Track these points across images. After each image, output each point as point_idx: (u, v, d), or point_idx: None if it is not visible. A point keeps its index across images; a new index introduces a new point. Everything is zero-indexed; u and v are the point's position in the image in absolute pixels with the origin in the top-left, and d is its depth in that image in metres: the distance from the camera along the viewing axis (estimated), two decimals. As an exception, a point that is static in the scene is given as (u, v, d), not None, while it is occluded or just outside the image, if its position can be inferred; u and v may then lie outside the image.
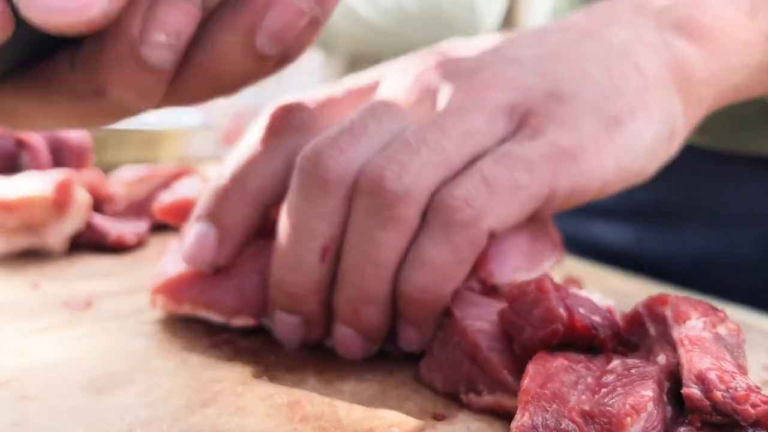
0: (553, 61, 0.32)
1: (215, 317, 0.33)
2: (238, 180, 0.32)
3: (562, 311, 0.25)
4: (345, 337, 0.31)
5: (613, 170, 0.31)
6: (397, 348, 0.32)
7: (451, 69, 0.33)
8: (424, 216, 0.29)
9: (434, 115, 0.30)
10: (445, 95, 0.31)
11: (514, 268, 0.31)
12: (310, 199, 0.29)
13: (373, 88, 0.35)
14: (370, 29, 1.13)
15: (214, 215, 0.32)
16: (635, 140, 0.32)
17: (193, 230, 0.32)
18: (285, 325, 0.31)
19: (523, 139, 0.30)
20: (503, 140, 0.30)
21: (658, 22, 0.34)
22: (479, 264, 0.31)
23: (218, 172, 0.33)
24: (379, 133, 0.30)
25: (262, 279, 0.32)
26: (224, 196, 0.32)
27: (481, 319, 0.27)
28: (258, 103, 1.20)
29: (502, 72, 0.31)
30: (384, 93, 0.33)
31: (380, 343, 0.31)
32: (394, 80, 0.34)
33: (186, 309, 0.34)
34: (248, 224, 0.32)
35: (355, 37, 1.16)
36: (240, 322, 0.33)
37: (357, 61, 1.16)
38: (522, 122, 0.31)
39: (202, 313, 0.33)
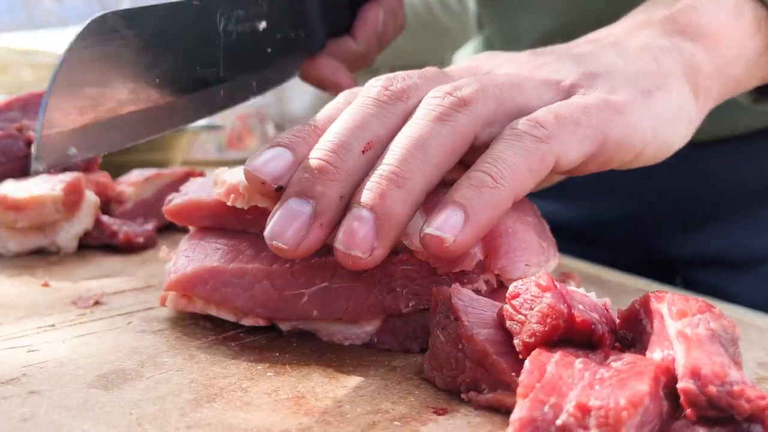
0: (585, 56, 0.38)
1: (225, 315, 0.34)
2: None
3: (562, 307, 0.26)
4: (358, 222, 0.29)
5: (650, 132, 0.36)
6: (399, 343, 0.32)
7: (503, 59, 0.39)
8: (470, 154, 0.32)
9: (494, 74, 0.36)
10: (502, 69, 0.37)
11: (525, 263, 0.32)
12: (374, 100, 0.32)
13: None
14: None
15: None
16: (664, 110, 0.36)
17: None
18: (292, 213, 0.30)
19: (574, 97, 0.35)
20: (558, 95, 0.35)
21: (665, 30, 0.39)
22: (491, 259, 0.32)
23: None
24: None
25: (272, 282, 0.33)
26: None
27: (487, 325, 0.28)
28: (261, 105, 1.21)
29: (543, 62, 0.37)
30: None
31: (388, 245, 0.29)
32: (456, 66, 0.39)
33: (198, 306, 0.34)
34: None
35: None
36: (249, 321, 0.34)
37: (355, 73, 1.18)
38: (568, 93, 0.35)
39: (213, 311, 0.34)
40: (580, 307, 0.26)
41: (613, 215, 0.66)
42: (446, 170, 0.31)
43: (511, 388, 0.26)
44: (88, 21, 0.30)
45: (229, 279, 0.33)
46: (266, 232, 0.30)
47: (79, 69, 0.30)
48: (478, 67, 0.38)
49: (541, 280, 0.27)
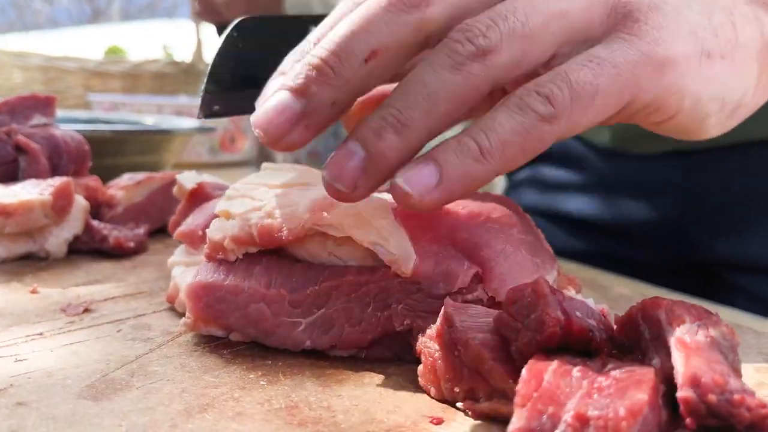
0: None
1: (216, 332, 0.34)
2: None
3: (559, 314, 0.25)
4: (349, 155, 0.29)
5: (691, 99, 0.32)
6: (394, 354, 0.32)
7: None
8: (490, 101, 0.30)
9: None
10: None
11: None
12: (389, 4, 0.29)
13: None
14: None
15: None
16: (718, 80, 0.32)
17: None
18: (283, 106, 0.29)
19: (614, 41, 0.30)
20: (593, 37, 0.31)
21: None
22: (485, 283, 0.32)
23: None
24: None
25: (266, 301, 0.32)
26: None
27: (482, 330, 0.27)
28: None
29: None
30: None
31: (372, 185, 0.29)
32: None
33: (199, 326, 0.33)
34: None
35: None
36: (237, 337, 0.33)
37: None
38: (620, 23, 0.31)
39: (204, 330, 0.33)
40: (578, 313, 0.26)
41: (654, 214, 0.64)
42: (454, 120, 0.30)
43: (508, 396, 0.26)
44: (237, 20, 0.37)
45: (224, 296, 0.33)
46: (253, 118, 0.30)
47: (230, 51, 0.37)
48: None
49: (538, 286, 0.26)
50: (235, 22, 0.37)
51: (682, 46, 0.31)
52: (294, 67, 0.30)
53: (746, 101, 0.35)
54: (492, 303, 0.31)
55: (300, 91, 0.29)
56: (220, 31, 1.47)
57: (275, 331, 0.32)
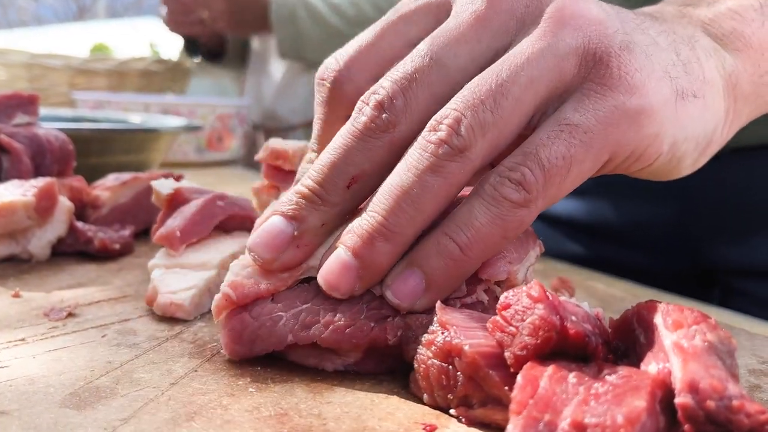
0: (628, 22, 0.32)
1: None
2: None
3: (555, 319, 0.25)
4: (342, 266, 0.29)
5: (669, 143, 0.32)
6: (387, 367, 0.31)
7: None
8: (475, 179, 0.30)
9: (504, 59, 0.30)
10: (521, 30, 0.31)
11: (508, 261, 0.31)
12: (360, 133, 0.30)
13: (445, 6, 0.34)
14: (336, 35, 1.15)
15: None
16: (692, 121, 0.32)
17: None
18: (275, 231, 0.31)
19: (586, 95, 0.30)
20: (568, 90, 0.30)
21: (706, 32, 0.35)
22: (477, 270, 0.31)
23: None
24: (446, 75, 0.31)
25: (250, 312, 0.31)
26: None
27: (476, 336, 0.27)
28: (241, 105, 1.19)
29: (584, 10, 0.31)
30: (453, 21, 0.32)
31: (367, 287, 0.30)
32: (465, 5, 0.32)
33: None
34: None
35: (322, 43, 1.17)
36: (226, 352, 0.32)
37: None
38: (591, 71, 0.30)
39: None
40: (573, 318, 0.26)
41: (658, 218, 0.63)
42: (438, 213, 0.30)
43: (502, 402, 0.25)
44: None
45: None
46: (249, 244, 0.31)
47: None
48: (508, 9, 0.32)
49: (532, 290, 0.26)
50: None
51: (658, 90, 0.30)
52: (286, 194, 0.32)
53: (716, 138, 0.35)
54: (490, 305, 0.31)
55: (291, 217, 0.31)
56: (188, 46, 1.45)
57: (257, 339, 0.31)
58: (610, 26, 0.31)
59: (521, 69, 0.29)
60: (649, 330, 0.26)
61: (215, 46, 1.49)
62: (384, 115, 0.30)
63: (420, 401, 0.28)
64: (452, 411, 0.27)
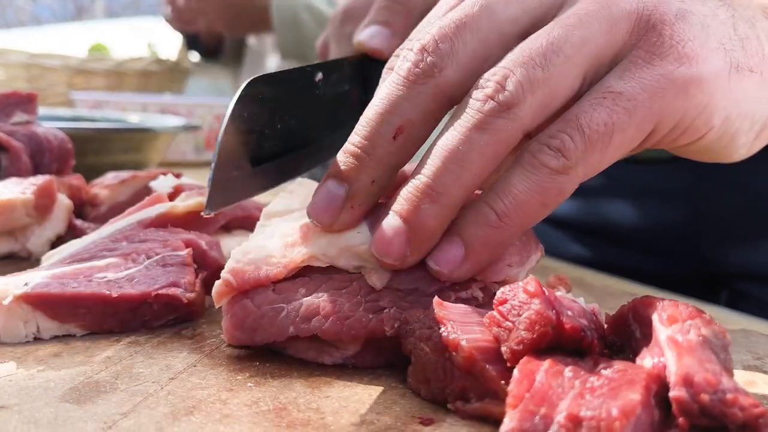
0: None
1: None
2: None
3: (551, 314, 0.25)
4: (391, 231, 0.29)
5: (720, 117, 0.31)
6: (386, 361, 0.31)
7: None
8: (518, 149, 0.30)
9: (556, 20, 0.30)
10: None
11: (507, 263, 0.31)
12: (404, 80, 0.30)
13: None
14: None
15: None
16: (747, 96, 0.31)
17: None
18: (329, 195, 0.31)
19: (633, 63, 0.29)
20: (619, 57, 0.30)
21: (766, 15, 0.34)
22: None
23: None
24: (496, 23, 0.30)
25: (253, 300, 0.31)
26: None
27: (473, 332, 0.27)
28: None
29: None
30: None
31: (420, 253, 0.30)
32: None
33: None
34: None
35: None
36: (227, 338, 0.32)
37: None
38: (642, 38, 0.29)
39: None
40: (569, 313, 0.26)
41: (665, 221, 0.63)
42: (488, 174, 0.30)
43: (499, 396, 0.26)
44: (244, 85, 0.33)
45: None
46: (307, 209, 0.32)
47: (237, 127, 0.33)
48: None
49: (529, 285, 0.26)
50: (239, 92, 0.33)
51: (711, 60, 0.29)
52: (338, 156, 0.32)
53: None
54: (485, 302, 0.31)
55: (341, 177, 0.31)
56: (189, 41, 1.45)
57: (258, 327, 0.31)
58: None
59: (574, 28, 0.29)
60: (645, 325, 0.26)
61: (213, 44, 1.49)
62: (429, 59, 0.30)
63: (417, 395, 0.28)
64: (449, 405, 0.27)
